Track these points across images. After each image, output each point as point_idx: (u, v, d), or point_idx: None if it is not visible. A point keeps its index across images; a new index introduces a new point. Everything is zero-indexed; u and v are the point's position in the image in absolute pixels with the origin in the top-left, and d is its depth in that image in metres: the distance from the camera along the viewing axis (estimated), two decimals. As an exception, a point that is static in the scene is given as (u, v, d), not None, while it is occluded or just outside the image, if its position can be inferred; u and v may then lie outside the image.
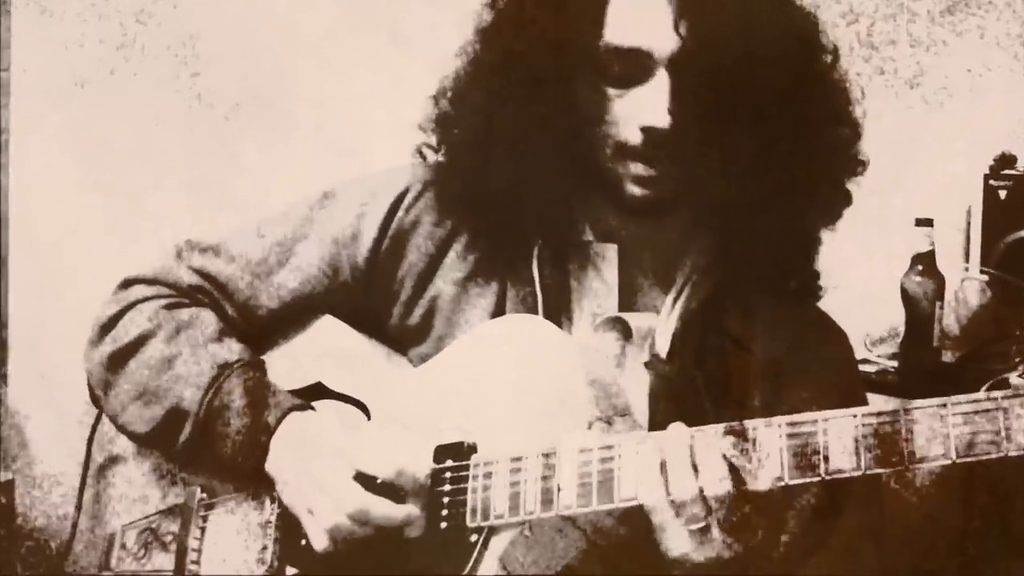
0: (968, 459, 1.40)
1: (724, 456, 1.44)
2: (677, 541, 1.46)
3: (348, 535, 1.54)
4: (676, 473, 1.45)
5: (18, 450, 2.26)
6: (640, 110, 1.57)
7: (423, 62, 1.77)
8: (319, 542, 1.56)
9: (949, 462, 1.40)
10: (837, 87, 1.65)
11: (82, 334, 1.76)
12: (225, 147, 2.42)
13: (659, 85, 1.56)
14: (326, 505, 1.55)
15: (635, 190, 1.60)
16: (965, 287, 2.49)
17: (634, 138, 1.58)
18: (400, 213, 1.69)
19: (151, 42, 2.43)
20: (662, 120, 1.55)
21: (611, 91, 1.58)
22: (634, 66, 1.57)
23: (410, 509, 1.55)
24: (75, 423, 1.86)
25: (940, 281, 2.42)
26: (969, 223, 2.51)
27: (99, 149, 2.39)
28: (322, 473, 1.57)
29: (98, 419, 1.78)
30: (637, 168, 1.59)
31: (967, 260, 2.53)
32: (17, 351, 2.22)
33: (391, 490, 1.55)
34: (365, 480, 1.55)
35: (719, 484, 1.45)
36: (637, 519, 1.49)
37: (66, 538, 1.80)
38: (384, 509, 1.54)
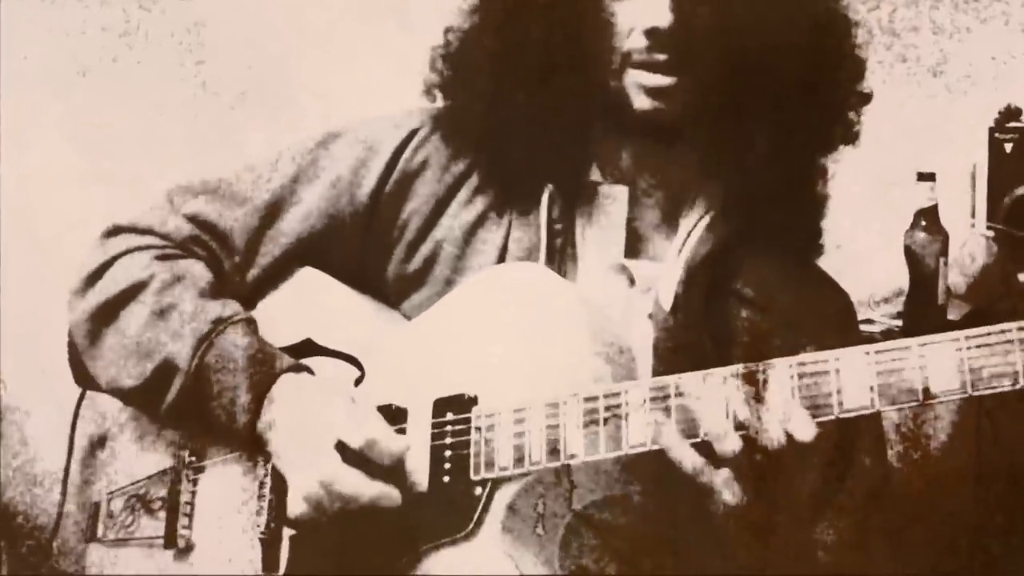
0: (983, 392, 1.39)
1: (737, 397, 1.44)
2: (691, 460, 1.45)
3: (326, 504, 1.52)
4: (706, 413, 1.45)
5: (19, 447, 2.25)
6: (642, 14, 1.58)
7: (431, 50, 1.75)
8: (294, 507, 1.54)
9: (964, 395, 1.39)
10: (840, 19, 1.65)
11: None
12: (230, 137, 2.39)
13: None
14: (304, 470, 1.53)
15: (644, 102, 1.60)
16: (970, 243, 2.47)
17: (639, 44, 1.59)
18: (407, 154, 1.68)
19: (155, 29, 2.41)
20: (663, 19, 1.56)
21: (613, 4, 1.59)
22: None
23: (379, 487, 1.52)
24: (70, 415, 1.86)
25: (944, 237, 2.41)
26: (975, 177, 2.49)
27: (101, 139, 2.37)
28: (304, 437, 1.55)
29: (81, 398, 1.78)
30: (644, 77, 1.60)
31: (973, 215, 2.50)
32: (16, 347, 2.20)
33: (365, 462, 1.52)
34: (343, 449, 1.53)
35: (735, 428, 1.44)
36: (654, 515, 1.51)
37: (69, 537, 1.79)
38: (351, 484, 1.52)
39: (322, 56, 2.43)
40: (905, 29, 2.46)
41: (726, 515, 1.47)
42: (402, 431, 1.57)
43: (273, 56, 2.42)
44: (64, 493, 1.79)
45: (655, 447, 1.47)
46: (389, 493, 1.53)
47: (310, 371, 1.63)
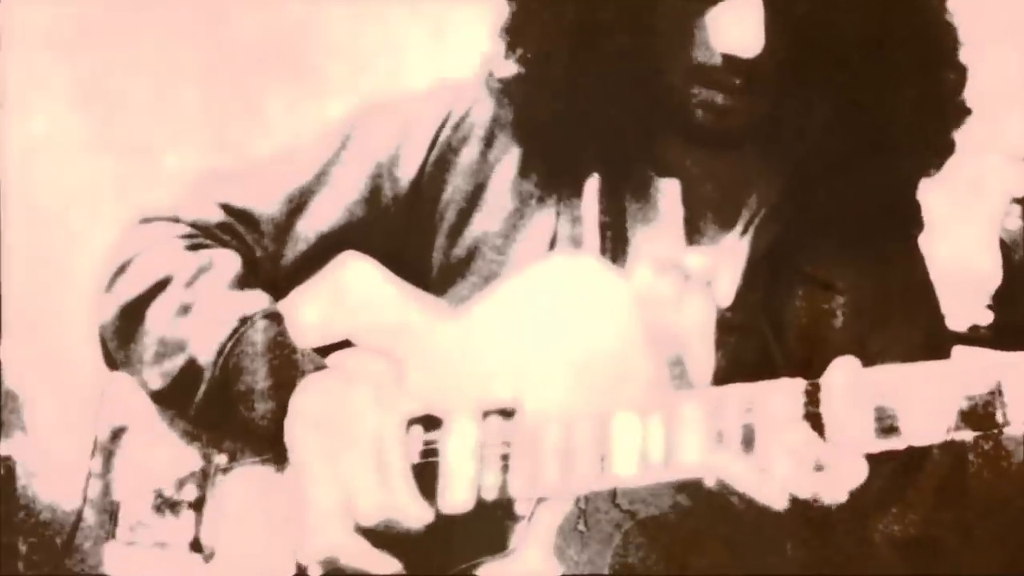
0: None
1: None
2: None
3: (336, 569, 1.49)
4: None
5: (24, 437, 2.19)
6: (727, 32, 1.49)
7: (470, 9, 1.73)
8: (313, 571, 1.51)
9: (1047, 428, 1.30)
10: (944, 27, 1.59)
11: (92, 309, 1.72)
12: (248, 104, 2.35)
13: (752, 4, 1.47)
14: (315, 533, 1.50)
15: (705, 118, 1.53)
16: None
17: (713, 61, 1.50)
18: (448, 131, 1.64)
19: (167, -13, 2.40)
20: (750, 48, 1.47)
21: (696, 3, 1.50)
22: None
23: (385, 560, 1.49)
24: (85, 406, 1.81)
25: (1043, 228, 2.43)
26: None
27: (109, 105, 2.33)
28: (328, 444, 1.53)
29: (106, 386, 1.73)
30: (710, 95, 1.52)
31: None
32: (18, 329, 2.15)
33: (377, 536, 1.49)
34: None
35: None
36: (703, 512, 1.45)
37: (86, 535, 1.76)
38: (357, 557, 1.48)
39: (350, 17, 2.38)
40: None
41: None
42: (431, 447, 1.52)
43: (296, 16, 2.37)
44: (86, 488, 1.77)
45: (710, 472, 1.43)
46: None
47: (337, 372, 1.59)
